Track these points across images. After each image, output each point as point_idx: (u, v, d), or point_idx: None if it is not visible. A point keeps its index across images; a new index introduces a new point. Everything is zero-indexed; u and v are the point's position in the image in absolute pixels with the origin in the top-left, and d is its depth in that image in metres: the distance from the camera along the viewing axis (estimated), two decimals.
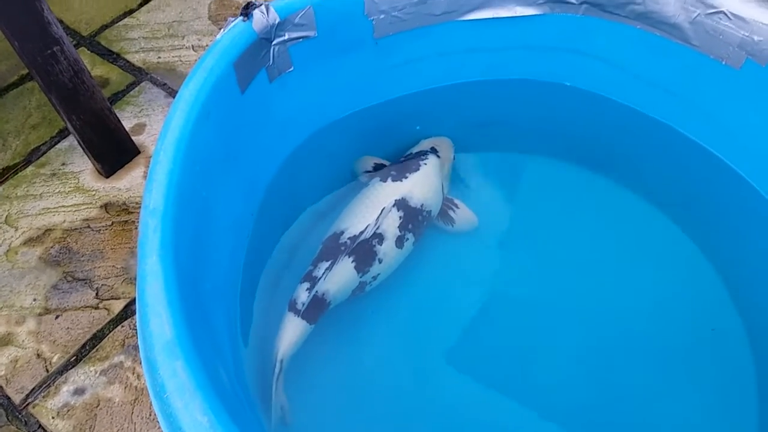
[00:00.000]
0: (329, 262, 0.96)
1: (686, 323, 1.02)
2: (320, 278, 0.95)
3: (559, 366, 0.99)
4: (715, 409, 0.95)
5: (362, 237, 0.97)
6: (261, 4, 0.90)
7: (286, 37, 0.95)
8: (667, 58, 1.01)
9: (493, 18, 1.05)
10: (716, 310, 1.02)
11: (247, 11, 0.89)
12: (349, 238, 0.98)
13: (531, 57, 1.11)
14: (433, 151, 1.12)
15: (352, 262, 0.97)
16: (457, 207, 1.09)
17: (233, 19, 0.90)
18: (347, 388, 0.98)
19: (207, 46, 1.59)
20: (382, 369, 0.99)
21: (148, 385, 0.63)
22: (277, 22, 0.92)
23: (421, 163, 1.08)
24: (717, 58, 0.96)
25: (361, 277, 0.98)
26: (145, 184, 0.74)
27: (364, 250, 0.98)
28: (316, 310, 0.95)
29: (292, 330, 0.93)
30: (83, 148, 1.30)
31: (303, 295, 0.95)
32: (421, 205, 1.04)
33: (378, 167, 1.13)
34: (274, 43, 0.94)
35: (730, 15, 0.91)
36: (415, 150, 1.14)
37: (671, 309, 1.03)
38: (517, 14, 1.05)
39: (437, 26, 1.05)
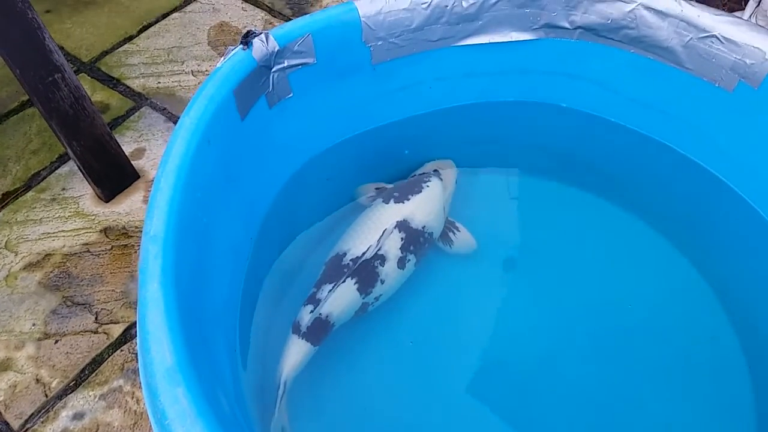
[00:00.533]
0: (332, 284, 0.97)
1: (682, 339, 1.02)
2: (323, 300, 0.96)
3: (560, 382, 0.99)
4: (713, 421, 0.95)
5: (364, 258, 0.98)
6: (261, 33, 0.92)
7: (286, 64, 0.96)
8: (661, 80, 1.02)
9: (489, 43, 1.06)
10: (712, 326, 1.03)
11: (247, 40, 0.91)
12: (351, 260, 0.99)
13: (527, 81, 1.13)
14: (436, 173, 1.13)
15: (355, 283, 0.97)
16: (458, 230, 1.10)
17: (233, 47, 0.91)
18: (349, 409, 0.98)
19: (206, 71, 1.61)
20: (384, 390, 1.00)
21: (148, 412, 0.63)
22: (276, 49, 0.93)
23: (423, 185, 1.09)
24: (710, 81, 0.97)
25: (363, 299, 0.99)
26: (146, 211, 0.74)
27: (366, 272, 0.98)
28: (320, 331, 0.96)
29: (296, 352, 0.94)
30: (83, 173, 1.31)
31: (306, 317, 0.95)
32: (423, 227, 1.05)
33: (379, 190, 1.14)
34: (273, 70, 0.95)
35: (722, 39, 0.93)
36: (418, 172, 1.15)
37: (668, 325, 1.04)
38: (513, 39, 1.07)
39: (434, 52, 1.06)
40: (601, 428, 0.96)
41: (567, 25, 1.04)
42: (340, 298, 0.97)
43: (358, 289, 0.98)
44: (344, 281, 0.97)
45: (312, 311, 0.96)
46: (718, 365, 1.00)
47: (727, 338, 1.01)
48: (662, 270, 1.10)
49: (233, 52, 0.90)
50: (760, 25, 0.95)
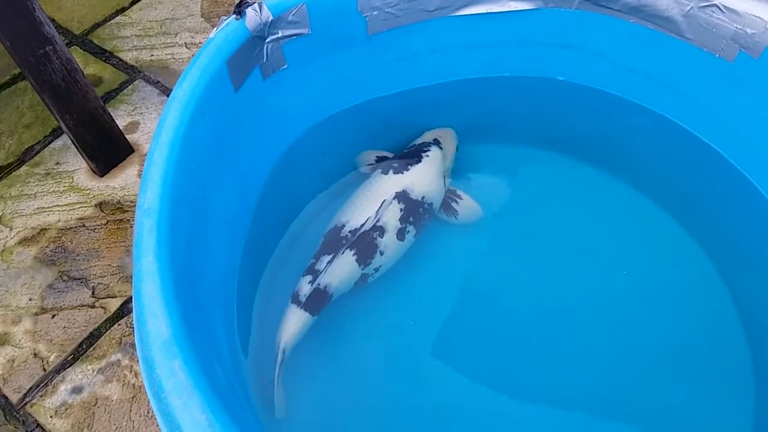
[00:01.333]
0: (331, 255, 0.97)
1: (684, 315, 1.02)
2: (322, 271, 0.96)
3: (559, 357, 1.00)
4: (713, 399, 0.96)
5: (362, 230, 0.98)
6: (254, 2, 0.90)
7: (280, 34, 0.95)
8: (660, 51, 1.01)
9: (486, 13, 1.05)
10: (713, 301, 1.03)
11: (240, 9, 0.89)
12: (350, 231, 0.99)
13: (526, 53, 1.11)
14: (436, 142, 1.12)
15: (354, 255, 0.97)
16: (460, 198, 1.09)
17: (226, 17, 0.90)
18: (346, 380, 0.98)
19: (200, 43, 1.59)
20: (383, 360, 1.00)
21: (145, 385, 0.63)
22: (270, 19, 0.92)
23: (423, 155, 1.08)
24: (710, 51, 0.96)
25: (363, 270, 0.99)
26: (140, 184, 0.74)
27: (365, 243, 0.98)
28: (319, 302, 0.96)
29: (295, 321, 0.94)
30: (77, 147, 1.30)
31: (305, 288, 0.95)
32: (422, 198, 1.04)
33: (380, 160, 1.14)
34: (267, 40, 0.94)
35: (722, 8, 0.92)
36: (418, 142, 1.14)
37: (669, 300, 1.04)
38: (511, 9, 1.05)
39: (431, 22, 1.05)
40: (601, 402, 0.97)
41: None
42: (339, 269, 0.97)
43: (357, 260, 0.98)
44: (343, 252, 0.97)
45: (311, 281, 0.96)
46: (718, 339, 1.00)
47: (726, 311, 1.01)
48: (662, 242, 1.09)
49: (226, 22, 0.89)
50: None
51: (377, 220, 0.99)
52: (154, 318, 0.63)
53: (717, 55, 0.96)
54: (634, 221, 1.12)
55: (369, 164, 1.14)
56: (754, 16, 0.89)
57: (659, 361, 0.99)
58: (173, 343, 0.61)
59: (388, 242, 1.00)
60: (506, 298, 1.06)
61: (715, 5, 0.92)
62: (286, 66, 0.99)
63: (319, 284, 0.95)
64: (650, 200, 1.12)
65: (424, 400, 0.97)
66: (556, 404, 0.96)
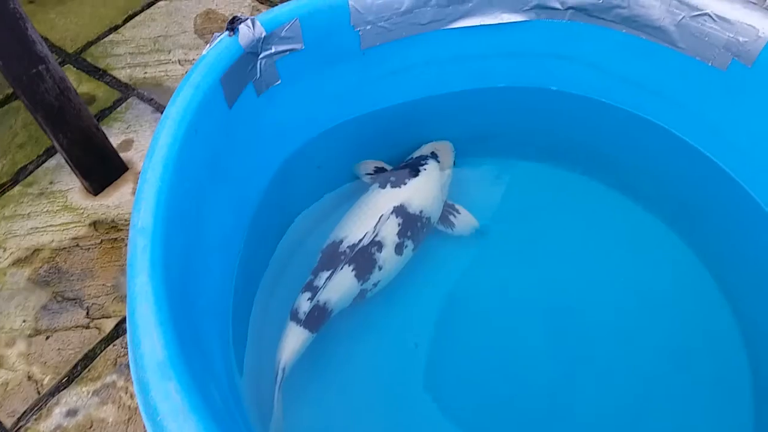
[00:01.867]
0: (329, 272, 0.96)
1: (680, 322, 1.02)
2: (321, 287, 0.95)
3: (559, 367, 0.99)
4: (712, 404, 0.95)
5: (361, 245, 0.97)
6: (247, 19, 0.90)
7: (273, 50, 0.95)
8: (653, 60, 1.01)
9: (479, 26, 1.05)
10: (709, 308, 1.02)
11: (233, 26, 0.89)
12: (348, 247, 0.98)
13: (519, 64, 1.11)
14: (434, 156, 1.11)
15: (352, 270, 0.97)
16: (458, 212, 1.09)
17: (219, 34, 0.89)
18: (347, 397, 0.97)
19: (193, 60, 1.59)
20: (382, 377, 0.99)
21: (140, 408, 0.62)
22: (263, 35, 0.91)
23: (420, 168, 1.07)
24: (703, 60, 0.96)
25: (361, 285, 0.98)
26: (134, 203, 0.73)
27: (363, 258, 0.97)
28: (318, 319, 0.95)
29: (294, 339, 0.93)
30: (71, 167, 1.29)
31: (304, 305, 0.94)
32: (420, 212, 1.03)
33: (378, 170, 1.13)
34: (260, 56, 0.94)
35: (715, 17, 0.92)
36: (415, 155, 1.14)
37: (664, 308, 1.03)
38: (503, 21, 1.05)
39: (424, 35, 1.04)
40: (597, 404, 0.96)
41: (558, 6, 1.02)
42: (338, 285, 0.96)
43: (355, 276, 0.97)
44: (342, 268, 0.96)
45: (310, 298, 0.95)
46: (716, 345, 1.00)
47: (722, 316, 1.01)
48: (658, 251, 1.09)
49: (219, 38, 0.89)
50: (753, 2, 0.93)
51: (375, 235, 0.98)
52: (149, 339, 0.62)
53: (710, 64, 0.96)
54: (629, 231, 1.12)
55: (367, 174, 1.14)
56: (747, 24, 0.89)
57: (657, 369, 0.98)
58: (168, 365, 0.60)
59: (387, 257, 0.99)
60: (504, 310, 1.05)
61: (707, 14, 0.92)
62: (279, 82, 0.99)
63: (318, 301, 0.94)
64: (645, 210, 1.12)
65: (426, 413, 0.96)
66: (556, 415, 0.95)
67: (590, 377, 0.98)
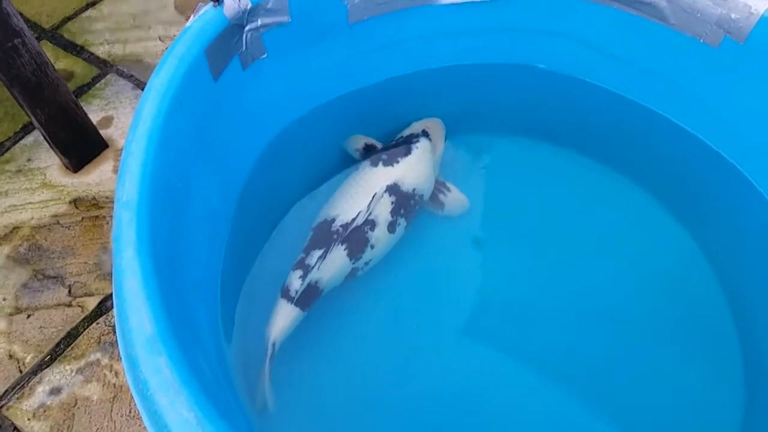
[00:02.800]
0: (322, 251, 0.95)
1: (670, 296, 1.03)
2: (313, 266, 0.94)
3: (550, 342, 0.99)
4: (703, 377, 0.96)
5: (355, 224, 0.96)
6: None
7: (259, 23, 0.93)
8: (644, 37, 1.00)
9: (469, 1, 1.03)
10: (698, 282, 1.03)
11: None
12: (341, 226, 0.97)
13: (508, 40, 1.10)
14: (425, 134, 1.10)
15: (345, 249, 0.96)
16: (449, 190, 1.09)
17: (204, 4, 0.87)
18: (336, 374, 0.97)
19: (174, 36, 1.55)
20: (371, 354, 0.99)
21: (129, 383, 0.61)
22: (249, 7, 0.89)
23: (412, 147, 1.06)
24: (695, 37, 0.95)
25: (353, 264, 0.97)
26: (118, 176, 0.71)
27: (356, 237, 0.96)
28: (309, 297, 0.94)
29: (284, 317, 0.92)
30: (49, 143, 1.26)
31: (296, 283, 0.94)
32: (413, 190, 1.03)
33: (368, 147, 1.12)
34: (246, 29, 0.92)
35: None
36: (406, 133, 1.12)
37: (657, 285, 1.04)
38: None
39: (413, 10, 1.03)
40: (590, 382, 0.97)
41: None
42: (331, 264, 0.95)
43: (348, 255, 0.96)
44: (335, 247, 0.95)
45: (302, 276, 0.94)
46: (707, 323, 1.00)
47: (712, 291, 1.02)
48: (649, 229, 1.10)
49: (203, 9, 0.86)
50: None
51: (369, 214, 0.97)
52: (137, 314, 0.61)
53: (702, 41, 0.95)
54: (618, 208, 1.12)
55: (357, 149, 1.13)
56: (739, 0, 0.89)
57: (648, 342, 0.99)
58: (158, 339, 0.59)
59: (379, 236, 0.98)
60: (495, 286, 1.05)
61: None
62: (266, 55, 0.97)
63: (310, 279, 0.93)
64: (635, 187, 1.12)
65: (415, 389, 0.96)
66: (548, 389, 0.96)
67: (583, 351, 0.99)
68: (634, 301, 1.03)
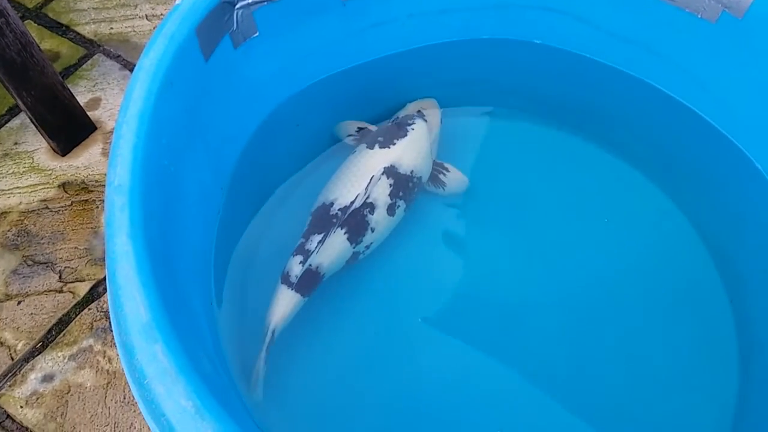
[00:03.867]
0: (321, 235, 0.93)
1: (665, 274, 1.02)
2: (313, 251, 0.92)
3: (548, 321, 0.99)
4: (698, 359, 0.96)
5: (353, 207, 0.95)
6: None
7: (250, 0, 0.90)
8: (642, 13, 0.99)
9: None
10: (694, 262, 1.03)
11: None
12: (339, 210, 0.95)
13: (502, 15, 1.08)
14: (420, 114, 1.09)
15: (345, 233, 0.94)
16: (448, 170, 1.07)
17: None
18: (335, 361, 0.96)
19: (161, 15, 1.52)
20: (372, 340, 0.98)
21: (125, 372, 0.59)
22: None
23: (408, 128, 1.04)
24: (693, 12, 0.94)
25: (354, 248, 0.96)
26: (109, 159, 0.69)
27: (356, 221, 0.95)
28: (310, 282, 0.93)
29: (285, 302, 0.91)
30: (36, 126, 1.24)
31: (296, 268, 0.92)
32: (411, 172, 1.01)
33: (361, 130, 1.10)
34: (237, 6, 0.89)
35: None
36: (401, 114, 1.11)
37: (650, 262, 1.03)
38: None
39: None
40: (584, 363, 0.96)
41: None
42: (331, 249, 0.94)
43: (348, 239, 0.95)
44: (334, 231, 0.94)
45: (302, 262, 0.92)
46: (701, 301, 1.00)
47: (706, 269, 1.01)
48: (643, 206, 1.08)
49: None
50: None
51: (367, 197, 0.96)
52: (132, 300, 0.59)
53: (699, 17, 0.94)
54: (614, 185, 1.11)
55: (350, 135, 1.11)
56: None
57: (644, 321, 0.99)
58: (154, 327, 0.58)
59: (379, 219, 0.97)
60: (493, 268, 1.04)
61: None
62: (257, 34, 0.94)
63: (310, 265, 0.92)
64: (631, 164, 1.11)
65: (416, 375, 0.95)
66: (544, 370, 0.95)
67: (580, 332, 0.98)
68: (628, 280, 1.02)
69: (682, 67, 1.02)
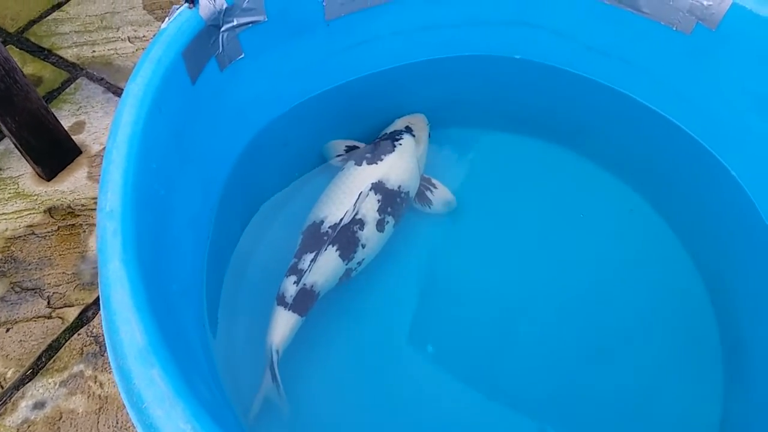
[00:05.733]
0: (313, 254, 0.94)
1: (649, 281, 1.04)
2: (306, 270, 0.93)
3: (536, 328, 1.01)
4: (682, 362, 0.98)
5: (342, 224, 0.95)
6: None
7: (235, 22, 0.91)
8: (618, 26, 1.01)
9: None
10: (676, 269, 1.05)
11: None
12: (330, 227, 0.96)
13: (485, 33, 1.11)
14: (408, 130, 1.10)
15: (336, 250, 0.95)
16: (435, 187, 1.08)
17: (178, 6, 0.85)
18: (333, 378, 0.96)
19: (144, 37, 1.53)
20: (368, 356, 0.98)
21: (123, 397, 0.59)
22: (224, 7, 0.88)
23: (396, 144, 1.06)
24: (668, 24, 0.96)
25: (346, 265, 0.97)
26: (100, 186, 0.70)
27: (346, 237, 0.96)
28: (306, 302, 0.93)
29: (283, 324, 0.91)
30: (21, 152, 1.23)
31: (291, 288, 0.93)
32: (399, 187, 1.02)
33: (350, 149, 1.11)
34: (222, 29, 0.90)
35: None
36: (389, 130, 1.12)
37: (634, 268, 1.06)
38: None
39: (389, 5, 1.03)
40: (572, 368, 0.98)
41: None
42: (324, 267, 0.94)
43: (340, 256, 0.95)
44: (326, 249, 0.94)
45: (296, 282, 0.93)
46: (684, 305, 1.02)
47: (689, 275, 1.03)
48: (625, 216, 1.11)
49: (178, 11, 0.85)
50: None
51: (356, 213, 0.97)
52: (127, 325, 0.60)
53: (674, 29, 0.97)
54: (597, 196, 1.13)
55: (339, 155, 1.12)
56: None
57: (629, 327, 1.00)
58: (150, 351, 0.58)
59: (369, 234, 0.98)
60: (483, 280, 1.06)
61: None
62: (243, 56, 0.95)
63: (304, 284, 0.93)
64: (613, 175, 1.14)
65: (412, 390, 0.96)
66: (535, 374, 0.97)
67: (567, 337, 0.99)
68: (614, 284, 1.04)
69: (659, 78, 1.05)
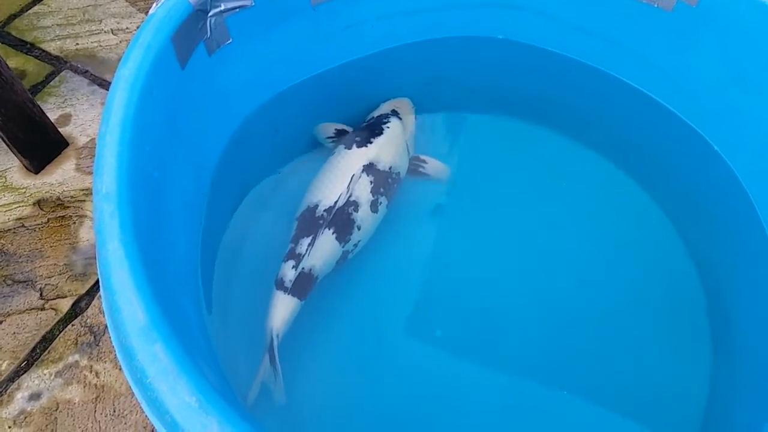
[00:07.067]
0: (310, 237, 0.95)
1: (639, 261, 1.05)
2: (304, 254, 0.94)
3: (529, 308, 1.02)
4: (671, 344, 0.99)
5: (337, 206, 0.97)
6: None
7: (222, 7, 0.92)
8: (600, 5, 1.03)
9: None
10: (668, 251, 1.06)
11: None
12: (325, 211, 0.97)
13: (466, 14, 1.12)
14: (394, 113, 1.11)
15: (333, 233, 0.96)
16: (426, 162, 1.11)
17: None
18: (330, 362, 0.96)
19: (127, 29, 1.52)
20: (367, 338, 0.99)
21: (126, 374, 0.60)
22: None
23: (383, 126, 1.07)
24: (649, 2, 0.98)
25: (343, 247, 0.98)
26: (95, 169, 0.70)
27: (342, 220, 0.97)
28: (305, 285, 0.94)
29: (283, 308, 0.92)
30: (7, 145, 1.23)
31: (289, 273, 0.93)
32: (390, 168, 1.04)
33: (339, 132, 1.12)
34: (210, 14, 0.90)
35: None
36: (375, 114, 1.13)
37: (626, 254, 1.06)
38: None
39: None
40: (563, 352, 0.99)
41: None
42: (321, 250, 0.95)
43: (336, 239, 0.96)
44: (322, 232, 0.95)
45: (294, 266, 0.94)
46: (675, 289, 1.03)
47: (680, 258, 1.05)
48: (615, 197, 1.12)
49: None
50: None
51: (350, 195, 0.98)
52: (128, 304, 0.60)
53: (656, 6, 0.98)
54: (585, 177, 1.15)
55: (329, 137, 1.13)
56: None
57: (620, 308, 1.02)
58: (152, 328, 0.59)
59: (364, 216, 0.99)
60: (476, 260, 1.07)
61: None
62: (230, 41, 0.96)
63: (303, 268, 0.94)
64: (599, 154, 1.15)
65: (412, 371, 0.97)
66: (528, 353, 0.98)
67: (559, 318, 1.00)
68: (604, 263, 1.05)
69: (642, 57, 1.06)
